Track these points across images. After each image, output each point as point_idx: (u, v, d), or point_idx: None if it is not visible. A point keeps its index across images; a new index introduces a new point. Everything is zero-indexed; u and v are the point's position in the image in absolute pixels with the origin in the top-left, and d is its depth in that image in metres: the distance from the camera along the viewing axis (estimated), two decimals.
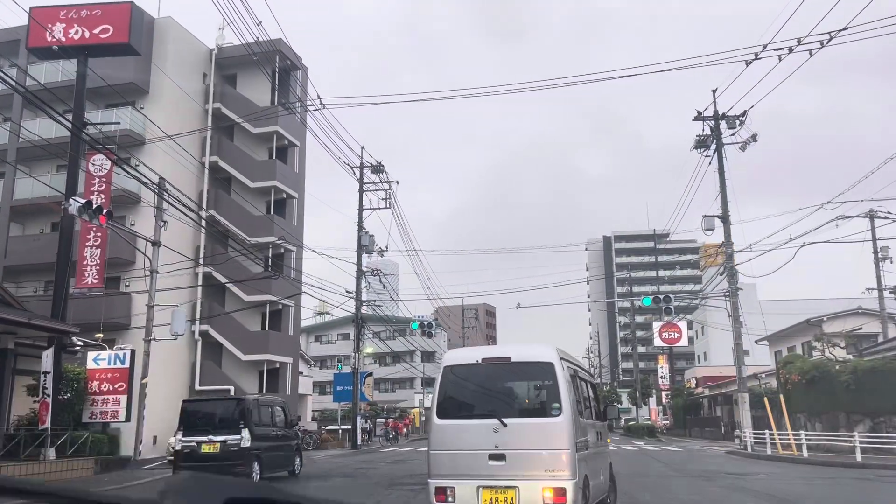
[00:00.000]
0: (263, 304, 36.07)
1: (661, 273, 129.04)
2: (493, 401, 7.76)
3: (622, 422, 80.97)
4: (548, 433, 7.38)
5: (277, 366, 36.92)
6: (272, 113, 36.83)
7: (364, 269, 37.75)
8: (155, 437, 31.53)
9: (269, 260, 36.00)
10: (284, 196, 38.38)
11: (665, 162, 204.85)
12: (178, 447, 14.89)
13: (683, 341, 65.46)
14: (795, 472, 19.18)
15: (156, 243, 19.89)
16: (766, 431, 25.43)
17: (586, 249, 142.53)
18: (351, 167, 37.63)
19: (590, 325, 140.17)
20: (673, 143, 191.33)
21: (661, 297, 28.72)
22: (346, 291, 36.47)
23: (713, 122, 29.39)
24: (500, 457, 7.23)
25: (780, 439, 25.13)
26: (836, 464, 21.80)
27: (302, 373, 51.45)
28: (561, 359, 7.85)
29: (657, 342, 65.90)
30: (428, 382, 78.09)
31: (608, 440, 11.06)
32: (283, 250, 37.24)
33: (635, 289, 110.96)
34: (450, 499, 7.36)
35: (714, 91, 29.66)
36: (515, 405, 7.87)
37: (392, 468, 21.18)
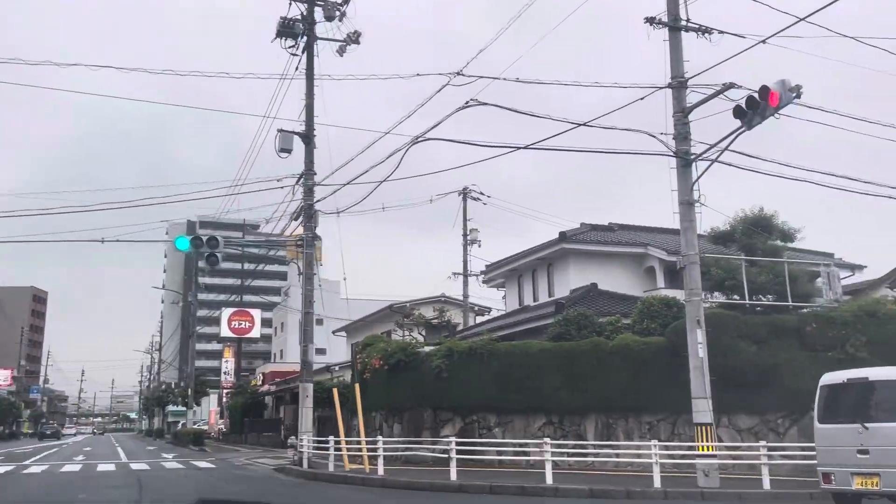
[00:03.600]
0: None
1: (248, 266, 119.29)
2: (858, 409, 10.06)
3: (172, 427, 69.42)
4: None
5: None
6: None
7: None
8: None
9: None
10: None
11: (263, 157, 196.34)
12: None
13: (255, 331, 57.05)
14: None
15: None
16: (331, 438, 17.40)
17: (167, 233, 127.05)
18: None
19: (161, 318, 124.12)
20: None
21: (205, 238, 19.07)
22: None
23: (307, 3, 20.98)
24: (865, 451, 9.65)
25: (347, 449, 17.31)
26: (426, 486, 14.58)
27: None
28: None
29: (224, 331, 56.37)
30: None
31: None
32: None
33: (219, 282, 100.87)
34: (832, 482, 10.06)
35: None
36: (873, 413, 9.92)
37: None
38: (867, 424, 9.78)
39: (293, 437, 19.66)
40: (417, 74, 15.23)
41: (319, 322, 53.73)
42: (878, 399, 10.05)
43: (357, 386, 18.14)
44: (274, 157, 20.99)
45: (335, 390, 18.23)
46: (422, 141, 13.95)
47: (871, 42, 14.98)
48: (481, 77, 12.97)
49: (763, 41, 13.78)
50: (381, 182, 15.83)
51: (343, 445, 17.19)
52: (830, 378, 10.84)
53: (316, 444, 18.82)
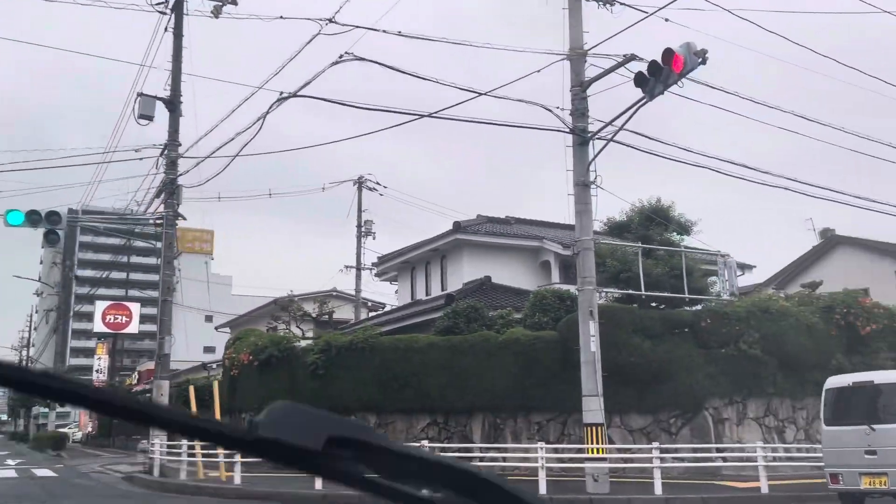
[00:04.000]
0: None
1: (135, 259, 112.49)
2: (864, 411, 10.27)
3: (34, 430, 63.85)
4: None
5: None
6: None
7: None
8: None
9: None
10: None
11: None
12: None
13: (133, 326, 52.95)
14: None
15: None
16: (184, 442, 15.30)
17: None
18: None
19: (36, 312, 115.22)
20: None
21: (44, 212, 16.50)
22: None
23: None
24: (873, 452, 9.84)
25: (204, 455, 15.26)
26: (286, 497, 12.84)
27: None
28: None
29: (98, 326, 52.08)
30: None
31: None
32: None
33: (99, 274, 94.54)
34: (840, 482, 10.21)
35: None
36: (879, 414, 10.13)
37: None
38: (874, 426, 9.97)
39: (144, 442, 17.37)
40: (281, 17, 13.39)
41: (209, 318, 50.39)
42: (884, 401, 10.31)
43: (216, 383, 16.05)
44: (149, 133, 18.62)
45: (191, 388, 16.11)
46: (290, 97, 12.16)
47: (777, 31, 14.40)
48: (357, 27, 11.34)
49: (662, 14, 12.91)
50: (245, 146, 13.94)
51: (198, 451, 15.11)
52: (836, 381, 11.03)
53: (170, 450, 16.60)
